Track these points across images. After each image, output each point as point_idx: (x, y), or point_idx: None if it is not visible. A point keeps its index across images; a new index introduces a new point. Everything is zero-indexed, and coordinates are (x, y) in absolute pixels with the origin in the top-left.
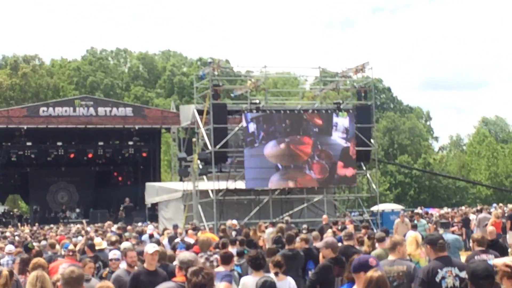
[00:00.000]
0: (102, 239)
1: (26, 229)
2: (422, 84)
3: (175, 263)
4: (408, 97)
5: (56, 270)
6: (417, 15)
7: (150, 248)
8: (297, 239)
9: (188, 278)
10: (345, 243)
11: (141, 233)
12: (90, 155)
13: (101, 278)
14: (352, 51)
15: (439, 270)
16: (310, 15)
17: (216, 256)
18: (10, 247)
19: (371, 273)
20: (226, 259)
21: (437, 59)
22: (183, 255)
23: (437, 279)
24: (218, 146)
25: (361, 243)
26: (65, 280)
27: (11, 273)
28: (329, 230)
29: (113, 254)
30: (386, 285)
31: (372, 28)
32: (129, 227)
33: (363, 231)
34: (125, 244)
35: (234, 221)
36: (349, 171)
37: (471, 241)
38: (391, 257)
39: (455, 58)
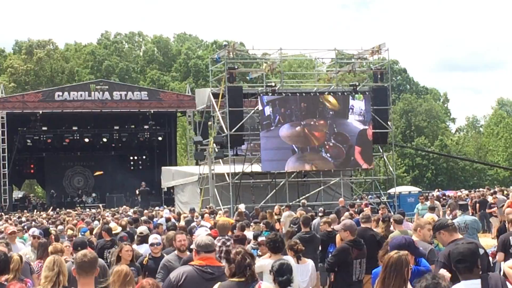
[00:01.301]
0: (117, 223)
1: (43, 214)
2: (437, 65)
3: (192, 246)
4: (424, 78)
5: None
6: None
7: (202, 232)
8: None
9: (231, 258)
10: (363, 225)
11: (151, 217)
12: (105, 140)
13: (141, 265)
14: (367, 32)
15: None
16: None
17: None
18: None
19: (391, 254)
20: (240, 242)
21: (453, 40)
22: (200, 238)
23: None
24: (233, 130)
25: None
26: (78, 264)
27: (21, 257)
28: (346, 213)
29: (154, 238)
30: (401, 266)
31: (387, 9)
32: (145, 211)
33: (380, 212)
34: (141, 228)
35: (241, 206)
36: (365, 163)
37: (506, 222)
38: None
39: (471, 39)
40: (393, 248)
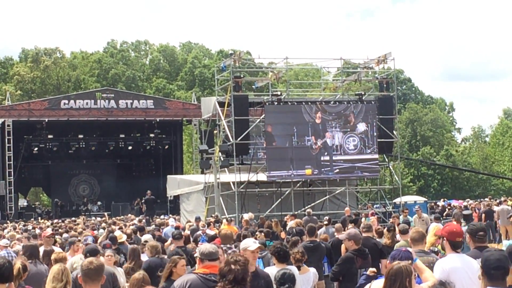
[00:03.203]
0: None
1: (47, 222)
2: (441, 74)
3: (196, 254)
4: (428, 88)
5: None
6: (437, 5)
7: (251, 244)
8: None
9: (224, 269)
10: (364, 234)
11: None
12: (111, 148)
13: None
14: (371, 41)
15: (476, 260)
16: (329, 5)
17: (234, 249)
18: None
19: (393, 264)
20: None
21: (456, 49)
22: (204, 246)
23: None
24: (239, 138)
25: (380, 234)
26: (84, 272)
27: (24, 267)
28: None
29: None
30: (401, 276)
31: (392, 18)
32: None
33: (391, 221)
34: (146, 237)
35: (246, 215)
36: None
37: None
38: (416, 248)
39: (474, 48)
40: (391, 259)
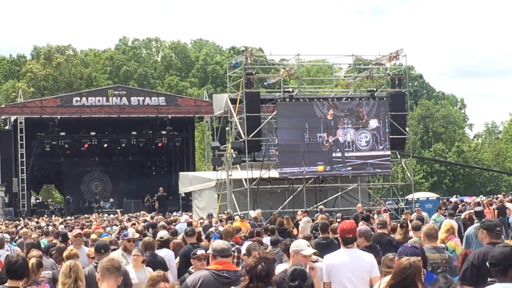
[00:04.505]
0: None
1: (60, 219)
2: (451, 71)
3: (208, 251)
4: (439, 84)
5: None
6: (446, 1)
7: (305, 248)
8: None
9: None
10: (379, 231)
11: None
12: (123, 145)
13: None
14: (381, 38)
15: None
16: (339, 2)
17: (238, 246)
18: None
19: (401, 260)
20: None
21: (466, 46)
22: (217, 243)
23: (488, 264)
24: (251, 135)
25: (393, 230)
26: (104, 268)
27: (39, 262)
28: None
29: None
30: (409, 271)
31: (401, 15)
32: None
33: (404, 217)
34: (162, 233)
35: (252, 212)
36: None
37: None
38: (429, 245)
39: (484, 45)
40: (398, 255)
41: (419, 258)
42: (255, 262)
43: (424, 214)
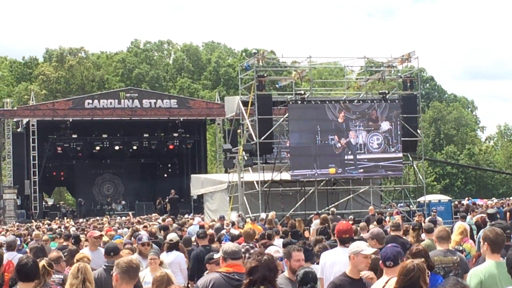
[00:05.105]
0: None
1: (71, 221)
2: (462, 73)
3: (219, 253)
4: (450, 86)
5: None
6: (457, 3)
7: (365, 247)
8: None
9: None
10: (392, 233)
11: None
12: (135, 147)
13: None
14: (393, 40)
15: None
16: (350, 5)
17: (257, 248)
18: None
19: (406, 262)
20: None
21: (477, 48)
22: (227, 245)
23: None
24: (263, 138)
25: (405, 233)
26: (124, 270)
27: (49, 264)
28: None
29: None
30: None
31: (413, 17)
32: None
33: (416, 219)
34: (172, 235)
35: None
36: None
37: None
38: (441, 247)
39: (495, 47)
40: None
41: (423, 259)
42: (257, 264)
43: (439, 219)
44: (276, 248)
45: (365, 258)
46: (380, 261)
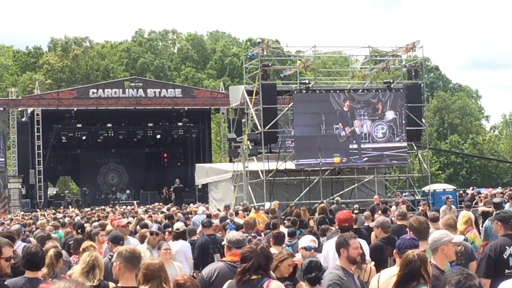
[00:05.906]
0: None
1: (76, 210)
2: (467, 63)
3: (224, 242)
4: (454, 76)
5: None
6: None
7: (451, 236)
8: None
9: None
10: (399, 222)
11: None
12: (139, 137)
13: None
14: (398, 30)
15: (507, 247)
16: None
17: (259, 237)
18: None
19: (407, 253)
20: (279, 240)
21: (481, 38)
22: (231, 234)
23: (505, 256)
24: (267, 127)
25: None
26: (127, 258)
27: (58, 253)
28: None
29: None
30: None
31: (417, 7)
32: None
33: (421, 208)
34: (178, 224)
35: (267, 204)
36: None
37: None
38: None
39: (499, 37)
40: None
41: (424, 249)
42: (250, 252)
43: (453, 207)
44: (312, 238)
45: (454, 246)
46: (395, 251)
